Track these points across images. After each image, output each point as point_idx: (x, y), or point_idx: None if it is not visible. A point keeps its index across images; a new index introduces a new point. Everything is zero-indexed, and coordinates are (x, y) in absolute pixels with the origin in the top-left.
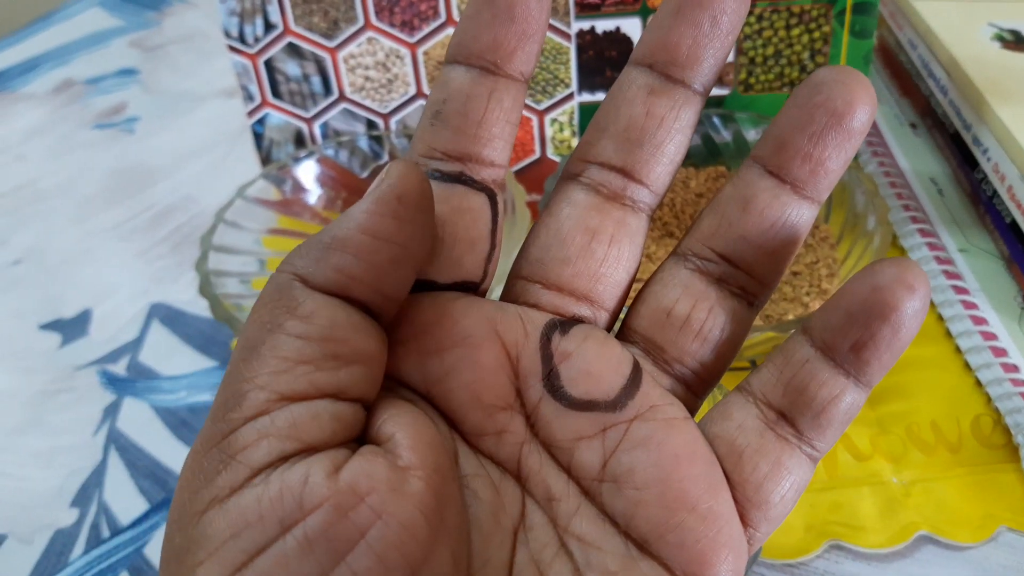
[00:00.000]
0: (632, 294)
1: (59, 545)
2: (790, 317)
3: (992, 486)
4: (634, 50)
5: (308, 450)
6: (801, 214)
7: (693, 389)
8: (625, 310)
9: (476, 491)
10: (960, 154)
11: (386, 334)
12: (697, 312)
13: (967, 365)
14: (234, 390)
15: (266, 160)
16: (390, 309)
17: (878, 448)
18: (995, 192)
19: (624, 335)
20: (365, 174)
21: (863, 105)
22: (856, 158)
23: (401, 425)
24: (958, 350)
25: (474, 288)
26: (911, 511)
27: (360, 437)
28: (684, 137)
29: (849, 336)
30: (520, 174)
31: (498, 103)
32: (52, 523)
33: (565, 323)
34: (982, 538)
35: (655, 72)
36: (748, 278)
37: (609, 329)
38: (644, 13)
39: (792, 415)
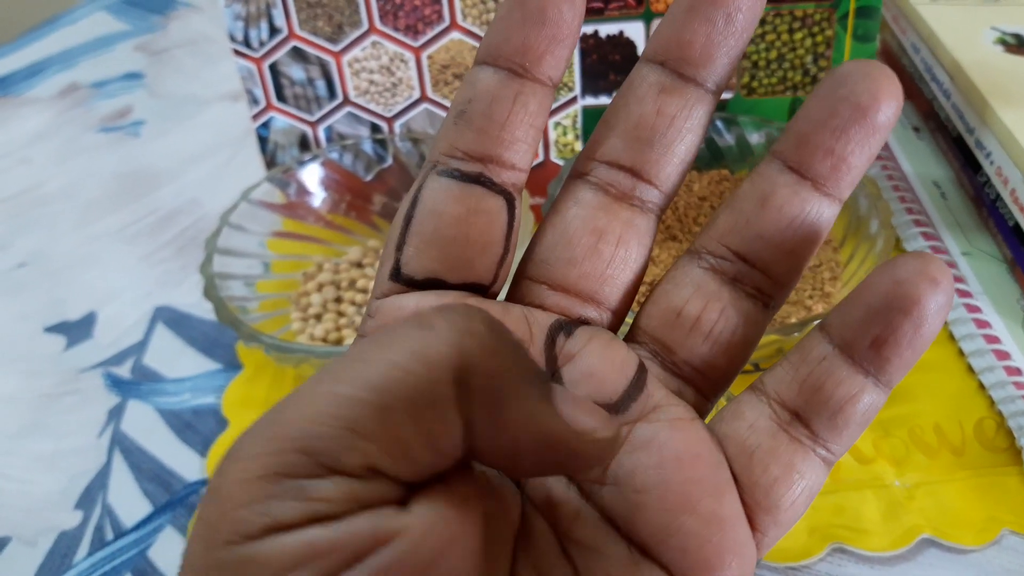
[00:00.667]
0: (640, 297)
1: (63, 547)
2: (792, 320)
3: (995, 489)
4: (646, 47)
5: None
6: (821, 212)
7: (703, 392)
8: (633, 312)
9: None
10: (963, 157)
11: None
12: (708, 313)
13: (970, 368)
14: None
15: (271, 163)
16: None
17: (881, 451)
18: (998, 195)
19: (633, 336)
20: (369, 177)
21: (889, 99)
22: None
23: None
24: (961, 353)
25: (484, 291)
26: (914, 514)
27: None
28: (695, 137)
29: (869, 332)
30: None
31: (523, 106)
32: (56, 525)
33: (570, 324)
34: (985, 541)
35: (667, 70)
36: (764, 278)
37: (615, 331)
38: (647, 17)
39: (807, 415)
